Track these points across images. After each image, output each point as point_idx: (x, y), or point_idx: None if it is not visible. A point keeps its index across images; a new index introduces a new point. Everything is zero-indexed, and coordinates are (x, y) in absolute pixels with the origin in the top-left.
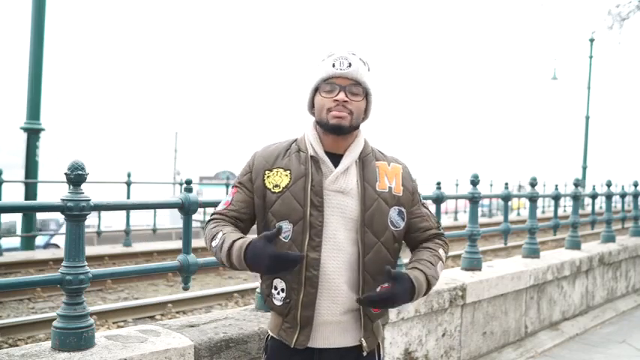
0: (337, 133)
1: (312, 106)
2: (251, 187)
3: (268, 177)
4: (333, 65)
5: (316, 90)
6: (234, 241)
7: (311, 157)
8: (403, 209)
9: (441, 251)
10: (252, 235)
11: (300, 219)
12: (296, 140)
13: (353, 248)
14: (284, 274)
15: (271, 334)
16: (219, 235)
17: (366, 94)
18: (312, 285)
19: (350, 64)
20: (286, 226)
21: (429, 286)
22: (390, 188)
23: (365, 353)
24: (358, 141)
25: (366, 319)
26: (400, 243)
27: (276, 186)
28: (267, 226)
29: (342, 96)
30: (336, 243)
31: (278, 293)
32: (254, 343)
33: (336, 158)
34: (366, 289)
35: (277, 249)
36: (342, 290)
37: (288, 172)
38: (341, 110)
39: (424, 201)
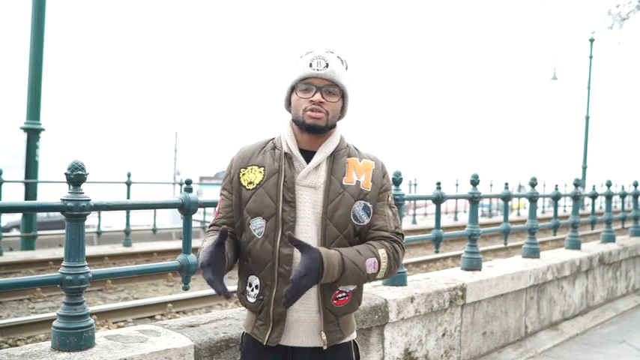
0: (313, 132)
1: (288, 103)
2: (231, 188)
3: (243, 174)
4: (310, 65)
5: (293, 89)
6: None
7: (284, 153)
8: (369, 204)
9: (381, 251)
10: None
11: (272, 215)
12: (273, 139)
13: (319, 242)
14: (257, 271)
15: (246, 331)
16: (204, 245)
17: (343, 94)
18: (286, 281)
19: (327, 65)
20: (259, 223)
21: (344, 268)
22: (357, 182)
23: (325, 347)
24: (333, 138)
25: (328, 312)
26: (362, 238)
27: (250, 183)
28: (244, 224)
29: (317, 97)
30: (307, 238)
31: (252, 290)
32: None
33: (310, 155)
34: (327, 284)
35: (251, 245)
36: (313, 287)
37: (262, 168)
38: (317, 111)
39: (393, 205)
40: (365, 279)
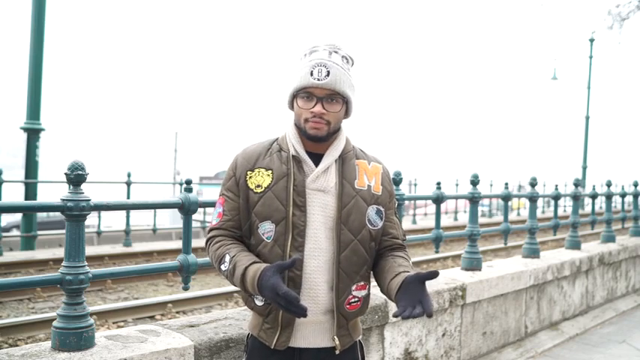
0: (315, 141)
1: (292, 106)
2: (237, 190)
3: (250, 177)
4: (311, 74)
5: (295, 94)
6: (246, 268)
7: (293, 156)
8: (382, 209)
9: (409, 263)
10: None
11: (282, 219)
12: (277, 140)
13: (331, 246)
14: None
15: (251, 333)
16: (227, 258)
17: (347, 100)
18: (295, 285)
19: (328, 73)
20: (269, 227)
21: None
22: (369, 186)
23: (337, 352)
24: (339, 140)
25: (341, 317)
26: (377, 243)
27: (258, 186)
28: (252, 227)
29: (318, 108)
30: (317, 242)
31: None
32: None
33: (317, 157)
34: (341, 287)
35: (260, 248)
36: (323, 289)
37: (270, 171)
38: (318, 122)
39: (397, 210)
40: None
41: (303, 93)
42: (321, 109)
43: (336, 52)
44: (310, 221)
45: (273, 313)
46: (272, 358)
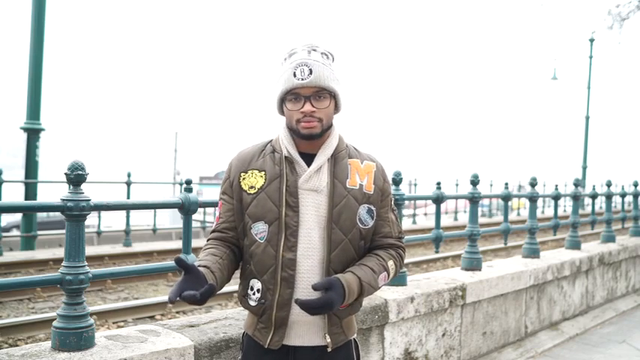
0: (310, 139)
1: (281, 110)
2: (231, 192)
3: (244, 179)
4: (294, 75)
5: (282, 99)
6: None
7: (285, 157)
8: (373, 208)
9: (390, 262)
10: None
11: (275, 219)
12: (271, 141)
13: (323, 245)
14: (259, 275)
15: (247, 332)
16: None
17: (334, 94)
18: (289, 285)
19: (311, 71)
20: (262, 227)
21: (362, 292)
22: (360, 185)
23: (329, 349)
24: (331, 139)
25: (332, 315)
26: (367, 241)
27: (252, 187)
28: (245, 228)
29: (307, 107)
30: (310, 242)
31: (254, 294)
32: None
33: (310, 157)
34: None
35: (253, 249)
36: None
37: (263, 173)
38: (310, 121)
39: (394, 207)
40: (375, 291)
41: (290, 95)
42: (311, 108)
43: (314, 49)
44: (303, 221)
45: (266, 313)
46: (266, 357)
